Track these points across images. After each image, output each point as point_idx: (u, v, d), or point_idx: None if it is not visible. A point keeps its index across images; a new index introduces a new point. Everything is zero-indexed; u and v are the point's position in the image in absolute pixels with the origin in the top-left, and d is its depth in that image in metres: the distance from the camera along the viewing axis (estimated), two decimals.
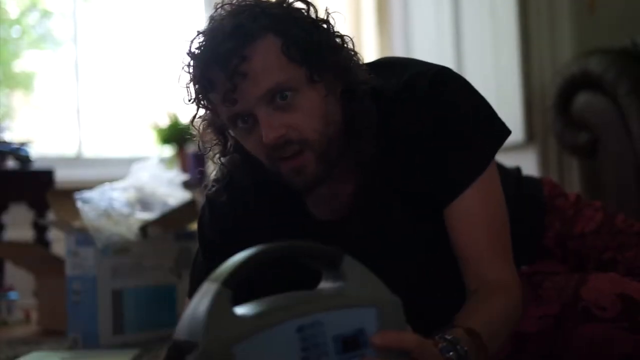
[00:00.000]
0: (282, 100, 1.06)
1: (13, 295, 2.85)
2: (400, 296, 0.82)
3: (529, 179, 1.47)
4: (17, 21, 4.23)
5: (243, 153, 1.16)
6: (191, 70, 1.09)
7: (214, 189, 1.25)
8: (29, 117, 4.17)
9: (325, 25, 1.12)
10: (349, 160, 1.14)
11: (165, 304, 2.19)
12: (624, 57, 2.60)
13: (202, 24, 1.12)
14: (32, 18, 4.30)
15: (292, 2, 1.10)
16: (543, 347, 1.19)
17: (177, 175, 2.39)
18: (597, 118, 2.64)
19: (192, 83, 1.10)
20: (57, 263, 2.35)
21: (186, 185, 2.46)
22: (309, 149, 1.08)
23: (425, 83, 1.13)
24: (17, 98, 4.29)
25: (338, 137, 1.11)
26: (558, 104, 2.76)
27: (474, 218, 1.11)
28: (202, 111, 1.14)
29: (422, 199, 1.14)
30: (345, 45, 1.13)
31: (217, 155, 1.19)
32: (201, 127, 1.16)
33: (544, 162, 3.23)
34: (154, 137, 3.87)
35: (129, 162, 2.60)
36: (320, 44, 1.09)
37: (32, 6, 4.28)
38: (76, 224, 2.14)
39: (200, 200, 1.31)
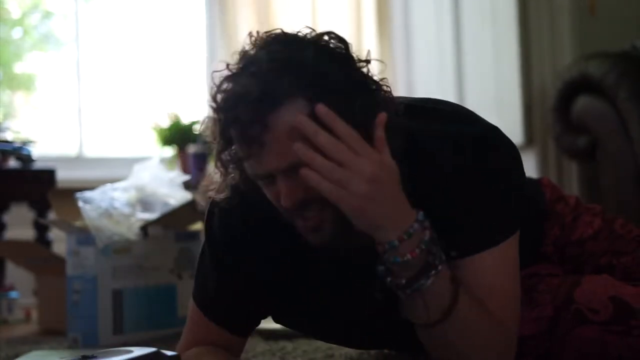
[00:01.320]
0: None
1: (13, 294, 2.86)
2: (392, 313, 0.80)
3: (530, 181, 1.45)
4: (19, 22, 4.24)
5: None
6: (216, 115, 1.02)
7: (223, 196, 1.17)
8: (30, 117, 4.18)
9: (362, 78, 1.02)
10: None
11: (165, 304, 2.20)
12: (624, 61, 2.61)
13: (234, 55, 1.02)
14: (33, 19, 4.31)
15: (335, 53, 1.01)
16: (538, 348, 1.19)
17: (178, 176, 2.40)
18: (597, 121, 2.65)
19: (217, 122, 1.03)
20: (58, 262, 2.35)
21: (187, 185, 2.47)
22: (330, 206, 0.99)
23: (471, 149, 1.09)
24: (19, 98, 4.30)
25: None
26: (558, 107, 2.76)
27: (484, 281, 1.09)
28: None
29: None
30: (380, 92, 1.04)
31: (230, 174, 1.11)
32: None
33: (543, 165, 3.24)
34: (155, 137, 3.87)
35: (130, 163, 2.61)
36: (355, 110, 0.98)
37: (34, 7, 4.29)
38: (77, 223, 2.15)
39: (199, 199, 1.29)
